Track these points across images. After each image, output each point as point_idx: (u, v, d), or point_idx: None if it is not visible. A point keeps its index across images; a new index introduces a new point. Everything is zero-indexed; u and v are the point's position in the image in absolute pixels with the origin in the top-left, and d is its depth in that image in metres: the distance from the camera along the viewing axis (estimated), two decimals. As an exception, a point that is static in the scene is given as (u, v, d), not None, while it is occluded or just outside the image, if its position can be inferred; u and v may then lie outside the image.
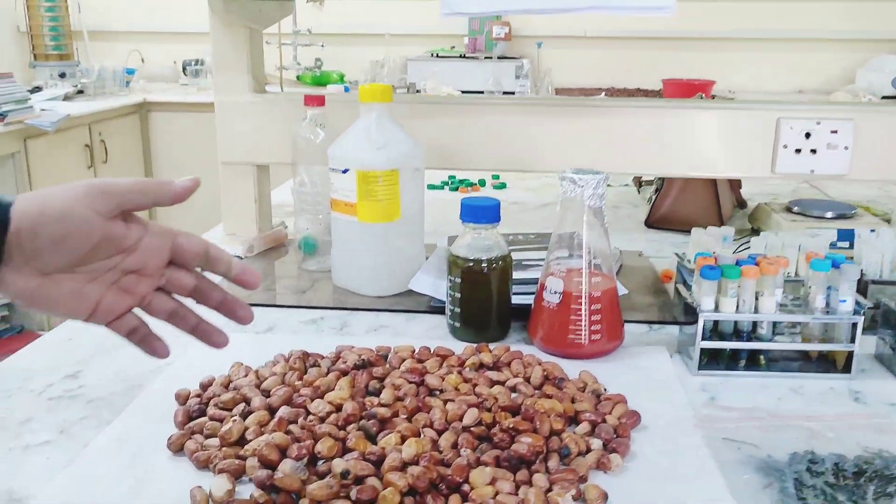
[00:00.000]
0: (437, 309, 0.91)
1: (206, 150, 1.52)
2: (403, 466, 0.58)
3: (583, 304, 0.79)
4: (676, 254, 0.93)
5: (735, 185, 1.36)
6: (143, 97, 3.28)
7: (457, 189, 1.59)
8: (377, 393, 0.69)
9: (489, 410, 0.67)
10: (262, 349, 0.80)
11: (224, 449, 0.60)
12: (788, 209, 1.20)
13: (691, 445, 0.64)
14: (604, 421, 0.66)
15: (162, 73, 3.66)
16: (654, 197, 1.33)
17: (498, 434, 0.62)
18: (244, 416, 0.65)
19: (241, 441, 0.61)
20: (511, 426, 0.62)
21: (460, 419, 0.65)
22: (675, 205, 1.28)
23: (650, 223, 1.31)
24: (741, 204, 1.39)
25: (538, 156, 1.08)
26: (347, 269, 0.98)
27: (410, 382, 0.71)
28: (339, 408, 0.66)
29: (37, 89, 3.12)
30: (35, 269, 0.46)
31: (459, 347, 0.80)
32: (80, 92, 3.23)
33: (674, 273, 1.04)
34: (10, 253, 0.45)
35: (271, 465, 0.58)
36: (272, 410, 0.66)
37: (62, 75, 3.29)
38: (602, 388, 0.72)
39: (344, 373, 0.73)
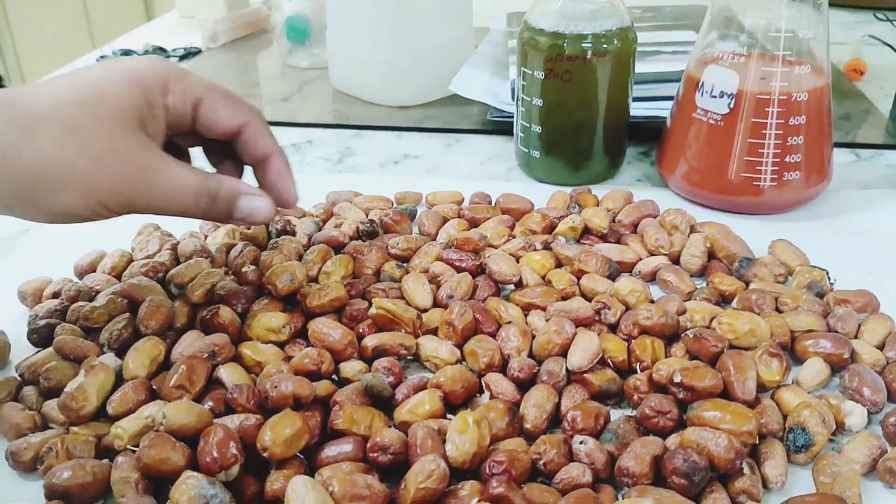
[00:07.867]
0: (499, 127, 0.56)
1: None
2: (442, 493, 0.26)
3: (770, 114, 0.43)
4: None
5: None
6: None
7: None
8: (396, 285, 0.36)
9: (615, 329, 0.34)
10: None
11: (72, 433, 0.28)
12: None
13: None
14: (852, 358, 0.32)
15: None
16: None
17: (649, 400, 0.29)
18: (123, 344, 0.32)
19: (106, 411, 0.29)
20: (680, 380, 0.29)
21: (563, 353, 0.32)
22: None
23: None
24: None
25: None
26: (351, 65, 0.62)
27: (460, 268, 0.38)
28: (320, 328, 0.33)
29: None
30: None
31: (542, 195, 0.46)
32: None
33: (865, 66, 0.67)
34: None
35: (165, 476, 0.26)
36: (180, 332, 0.33)
37: None
38: (826, 276, 0.37)
39: (336, 246, 0.40)
